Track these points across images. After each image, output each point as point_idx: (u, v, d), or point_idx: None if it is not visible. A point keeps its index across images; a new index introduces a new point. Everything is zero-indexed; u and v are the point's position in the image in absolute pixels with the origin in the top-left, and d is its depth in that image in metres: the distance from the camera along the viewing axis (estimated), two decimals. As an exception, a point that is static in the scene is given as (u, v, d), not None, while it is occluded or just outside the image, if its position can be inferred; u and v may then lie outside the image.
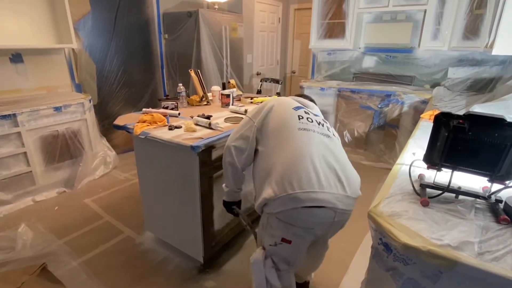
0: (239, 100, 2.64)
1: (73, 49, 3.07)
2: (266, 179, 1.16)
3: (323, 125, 1.30)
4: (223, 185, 1.45)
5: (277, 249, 1.18)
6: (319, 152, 1.15)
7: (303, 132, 1.19)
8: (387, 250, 0.91)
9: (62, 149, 2.75)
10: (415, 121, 2.74)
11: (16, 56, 2.70)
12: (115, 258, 1.96)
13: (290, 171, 1.09)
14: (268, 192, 1.12)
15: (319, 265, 1.60)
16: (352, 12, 3.53)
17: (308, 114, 1.32)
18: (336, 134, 1.38)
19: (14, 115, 2.38)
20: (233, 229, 2.01)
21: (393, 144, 3.38)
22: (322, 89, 3.78)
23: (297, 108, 1.31)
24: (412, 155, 1.47)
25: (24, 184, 2.56)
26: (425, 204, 0.99)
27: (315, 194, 1.07)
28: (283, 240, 1.14)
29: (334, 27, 3.76)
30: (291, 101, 1.35)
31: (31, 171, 2.57)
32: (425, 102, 3.08)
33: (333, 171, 1.13)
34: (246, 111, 2.14)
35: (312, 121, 1.27)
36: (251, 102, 2.54)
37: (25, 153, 2.50)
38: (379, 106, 3.41)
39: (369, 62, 3.86)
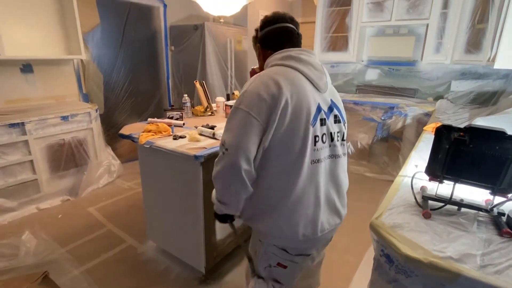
0: (243, 111, 2.67)
1: (81, 60, 3.14)
2: (267, 210, 1.00)
3: (342, 139, 1.08)
4: (216, 199, 1.06)
5: (271, 270, 1.12)
6: (324, 190, 1.02)
7: (314, 166, 0.97)
8: (389, 262, 0.91)
9: (67, 157, 2.79)
10: (419, 133, 2.74)
11: (27, 66, 2.77)
12: (117, 267, 1.95)
13: (296, 216, 0.98)
14: (272, 227, 1.00)
15: (319, 279, 1.56)
16: (355, 26, 3.58)
17: (336, 123, 1.04)
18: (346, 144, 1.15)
19: (23, 123, 2.43)
20: (235, 240, 2.01)
21: (396, 156, 3.38)
22: (325, 100, 3.81)
23: (317, 114, 0.97)
24: (415, 167, 1.47)
25: (29, 192, 2.58)
26: (427, 216, 0.99)
27: (317, 238, 1.03)
28: (279, 264, 1.09)
29: (337, 40, 3.81)
30: (310, 100, 0.95)
31: (36, 179, 2.60)
32: (428, 115, 3.09)
33: (333, 209, 1.07)
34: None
35: (330, 139, 1.02)
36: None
37: (31, 161, 2.54)
38: (382, 118, 3.43)
39: (372, 75, 3.89)
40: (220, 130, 1.89)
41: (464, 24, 2.96)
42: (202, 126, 1.93)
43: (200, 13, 3.86)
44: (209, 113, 2.53)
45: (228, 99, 2.77)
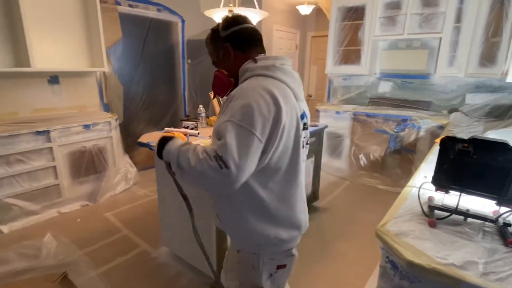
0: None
1: (104, 72, 3.32)
2: (263, 223, 1.00)
3: (307, 143, 1.12)
4: (176, 164, 0.93)
5: (273, 278, 1.11)
6: (303, 189, 1.11)
7: (302, 165, 1.05)
8: (394, 268, 0.93)
9: (88, 164, 2.92)
10: (432, 146, 2.73)
11: (54, 78, 2.96)
12: (131, 271, 2.02)
13: (293, 219, 1.04)
14: (270, 236, 1.00)
15: None
16: (367, 40, 3.64)
17: (306, 127, 1.07)
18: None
19: (48, 131, 2.58)
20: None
21: (409, 168, 3.35)
22: (337, 112, 3.84)
23: (301, 120, 1.01)
24: (424, 178, 1.49)
25: (51, 196, 2.71)
26: (432, 225, 1.01)
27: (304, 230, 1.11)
28: (279, 267, 1.09)
29: (350, 54, 3.87)
30: (296, 110, 0.98)
31: (58, 184, 2.73)
32: (442, 128, 3.07)
33: (305, 202, 1.14)
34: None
35: (306, 144, 1.09)
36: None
37: (54, 167, 2.68)
38: (395, 130, 3.43)
39: (385, 87, 3.91)
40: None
41: (478, 38, 2.96)
42: (216, 136, 2.00)
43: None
44: (223, 124, 2.61)
45: (241, 110, 2.85)
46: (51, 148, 2.63)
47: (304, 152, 1.07)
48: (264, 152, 0.88)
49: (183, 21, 4.07)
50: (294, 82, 1.00)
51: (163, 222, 2.11)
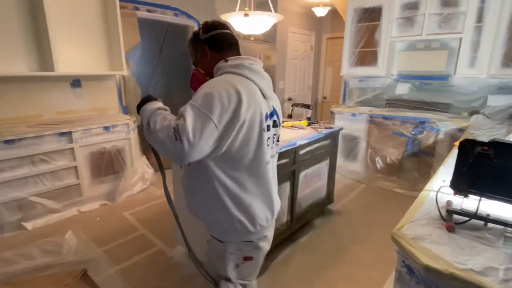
0: (270, 123, 2.75)
1: (123, 76, 3.42)
2: (228, 209, 1.04)
3: (278, 140, 1.18)
4: (146, 122, 1.00)
5: (239, 269, 1.15)
6: (271, 184, 1.14)
7: (266, 167, 1.09)
8: (410, 273, 0.92)
9: (107, 164, 3.01)
10: (451, 149, 2.66)
11: (76, 81, 3.08)
12: (148, 269, 2.07)
13: (255, 209, 1.07)
14: (234, 223, 1.05)
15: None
16: (384, 41, 3.59)
17: (277, 127, 1.14)
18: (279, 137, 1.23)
19: (70, 132, 2.68)
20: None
21: (428, 172, 3.27)
22: (353, 114, 3.80)
23: (267, 120, 1.06)
24: (442, 181, 1.45)
25: (72, 195, 2.81)
26: (450, 229, 0.99)
27: (270, 224, 1.16)
28: (245, 258, 1.14)
29: (366, 55, 3.83)
30: (262, 109, 1.03)
31: (79, 184, 2.83)
32: (462, 130, 2.98)
33: (275, 198, 1.17)
34: (276, 134, 2.24)
35: (276, 140, 1.16)
36: (282, 126, 2.64)
37: (76, 167, 2.78)
38: (413, 133, 3.35)
39: (403, 89, 3.84)
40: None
41: (501, 38, 2.87)
42: (231, 138, 2.03)
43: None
44: (238, 126, 2.64)
45: (256, 112, 2.88)
46: (72, 148, 2.73)
47: (275, 148, 1.15)
48: (221, 139, 0.94)
49: (199, 25, 4.14)
50: (262, 81, 1.06)
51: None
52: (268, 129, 1.07)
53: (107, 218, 2.76)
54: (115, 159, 3.07)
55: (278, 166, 2.03)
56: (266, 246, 1.18)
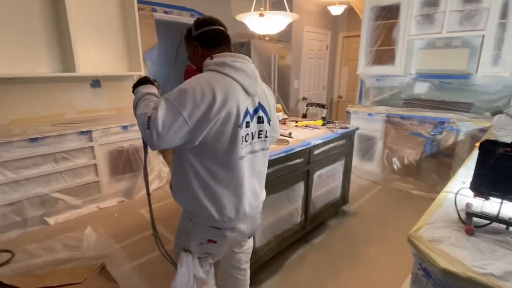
0: (284, 123, 2.75)
1: (140, 76, 3.50)
2: (199, 196, 1.10)
3: (265, 136, 1.19)
4: (135, 103, 1.11)
5: (202, 247, 1.20)
6: (247, 179, 1.15)
7: (240, 161, 1.10)
8: (427, 276, 0.90)
9: (125, 163, 3.09)
10: (472, 150, 2.57)
11: (96, 82, 3.17)
12: (162, 265, 2.10)
13: (223, 200, 1.11)
14: (203, 209, 1.11)
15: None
16: (402, 39, 3.51)
17: (263, 123, 1.16)
18: (271, 133, 1.26)
19: (90, 131, 2.77)
20: (273, 248, 2.06)
21: (447, 173, 3.17)
22: (369, 114, 3.74)
23: (245, 118, 1.08)
24: (462, 183, 1.41)
25: (92, 192, 2.91)
26: (470, 232, 0.96)
27: (240, 218, 1.16)
28: (209, 241, 1.18)
29: (383, 54, 3.75)
30: (240, 106, 1.05)
31: (98, 181, 2.92)
32: (483, 131, 2.87)
33: (254, 194, 1.20)
34: (290, 133, 2.23)
35: (251, 138, 1.13)
36: (296, 125, 2.63)
37: (95, 164, 2.87)
38: (432, 133, 3.26)
39: (421, 88, 3.74)
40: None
41: (526, 34, 2.75)
42: (245, 137, 2.04)
43: (247, 31, 4.08)
44: (252, 125, 2.65)
45: (270, 112, 2.88)
46: (92, 147, 2.82)
47: (260, 144, 1.18)
48: (193, 133, 0.98)
49: (214, 25, 4.17)
50: (245, 78, 1.08)
51: (193, 220, 2.17)
52: (247, 126, 1.09)
53: (125, 215, 2.83)
54: (133, 158, 3.15)
55: (292, 166, 2.04)
56: (236, 237, 1.20)
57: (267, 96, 1.21)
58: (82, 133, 2.73)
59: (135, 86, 1.16)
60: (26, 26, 2.65)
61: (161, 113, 0.95)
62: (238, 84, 1.06)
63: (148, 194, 1.34)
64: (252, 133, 1.13)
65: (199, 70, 1.17)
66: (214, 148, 1.05)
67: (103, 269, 2.04)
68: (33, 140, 2.45)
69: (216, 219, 1.11)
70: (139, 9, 3.18)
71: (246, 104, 1.08)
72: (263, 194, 1.28)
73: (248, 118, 1.09)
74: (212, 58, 1.11)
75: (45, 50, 2.78)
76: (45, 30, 2.76)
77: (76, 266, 2.07)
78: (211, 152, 1.05)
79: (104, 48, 3.16)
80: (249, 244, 1.44)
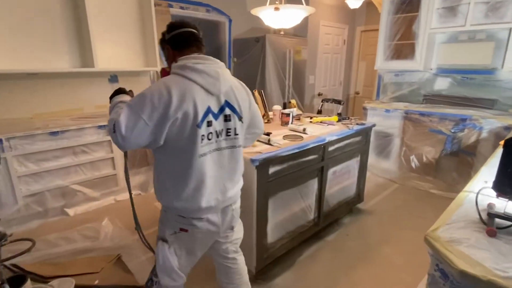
0: (299, 119, 2.72)
1: (156, 71, 3.55)
2: (167, 189, 1.20)
3: (235, 133, 1.23)
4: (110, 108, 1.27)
5: (176, 236, 1.27)
6: (211, 175, 1.19)
7: (201, 159, 1.14)
8: (444, 277, 0.87)
9: (141, 157, 3.15)
10: (495, 149, 2.47)
11: (113, 77, 3.24)
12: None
13: (192, 194, 1.17)
14: (170, 201, 1.20)
15: (246, 278, 1.59)
16: (423, 33, 3.39)
17: (230, 121, 1.20)
18: (245, 131, 1.30)
19: (108, 125, 2.83)
20: (285, 244, 2.05)
21: (468, 173, 3.06)
22: (387, 111, 3.64)
23: (205, 117, 1.12)
24: (484, 183, 1.35)
25: (109, 185, 2.98)
26: (491, 234, 0.92)
27: (204, 208, 1.20)
28: (181, 229, 1.25)
29: (403, 48, 3.64)
30: (198, 106, 1.09)
31: (115, 174, 2.99)
32: (508, 128, 2.75)
33: (221, 188, 1.24)
34: (304, 129, 2.20)
35: (216, 136, 1.18)
36: (311, 121, 2.60)
37: (112, 158, 2.94)
38: (452, 130, 3.15)
39: (442, 84, 3.61)
40: (275, 137, 1.98)
41: (558, 27, 2.59)
42: (259, 132, 2.03)
43: (262, 26, 4.05)
44: (266, 121, 2.64)
45: (284, 107, 2.85)
46: (110, 141, 2.88)
47: (229, 141, 1.22)
48: (155, 133, 1.07)
49: (230, 20, 4.17)
50: (205, 78, 1.13)
51: (207, 214, 2.19)
52: (209, 125, 1.13)
53: (140, 208, 2.86)
54: (149, 152, 3.20)
55: (305, 162, 2.02)
56: (207, 226, 1.25)
57: (238, 93, 1.23)
58: (100, 127, 2.80)
59: (111, 97, 1.30)
60: (47, 23, 2.72)
61: (123, 117, 1.04)
62: (197, 85, 1.11)
63: (130, 194, 1.56)
64: (216, 131, 1.17)
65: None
66: (177, 147, 1.11)
67: (119, 260, 2.10)
68: (54, 133, 2.53)
69: (181, 209, 1.20)
70: (155, 5, 3.22)
71: (207, 103, 1.12)
72: (236, 188, 1.33)
73: (210, 117, 1.13)
74: (176, 61, 1.17)
75: (65, 46, 2.86)
76: (65, 27, 2.83)
77: (93, 256, 2.13)
78: (174, 150, 1.12)
79: (122, 44, 3.21)
80: (237, 235, 1.50)
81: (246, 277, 1.57)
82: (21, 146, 2.40)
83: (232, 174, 1.29)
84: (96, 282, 1.87)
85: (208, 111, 1.13)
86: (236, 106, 1.21)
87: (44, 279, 1.82)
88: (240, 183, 1.37)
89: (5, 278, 1.54)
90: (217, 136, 1.18)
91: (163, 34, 1.29)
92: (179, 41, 1.24)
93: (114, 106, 1.22)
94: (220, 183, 1.24)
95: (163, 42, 1.29)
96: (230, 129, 1.21)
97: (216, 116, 1.15)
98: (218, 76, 1.17)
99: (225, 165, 1.24)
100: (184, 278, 1.34)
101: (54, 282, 1.59)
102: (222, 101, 1.17)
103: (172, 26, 1.26)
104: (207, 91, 1.13)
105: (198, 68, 1.13)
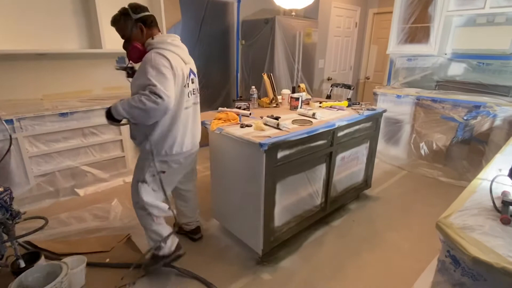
0: (308, 103, 2.68)
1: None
2: (156, 137, 1.57)
3: (198, 91, 1.75)
4: (125, 112, 1.49)
5: (155, 178, 1.65)
6: (190, 125, 1.69)
7: (186, 111, 1.63)
8: (455, 264, 0.86)
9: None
10: (509, 137, 2.41)
11: (121, 59, 3.21)
12: (183, 239, 2.17)
13: (178, 141, 1.62)
14: (157, 147, 1.59)
15: (197, 201, 2.11)
16: (439, 16, 3.26)
17: (194, 83, 1.68)
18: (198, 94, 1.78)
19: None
20: (292, 228, 2.07)
21: (479, 161, 3.01)
22: (398, 96, 3.57)
23: (187, 79, 1.59)
24: (498, 171, 1.32)
25: (118, 166, 3.02)
26: (506, 222, 0.90)
27: (183, 152, 1.69)
28: (161, 172, 1.65)
29: (417, 32, 3.52)
30: (184, 71, 1.56)
31: (124, 156, 3.02)
32: (524, 116, 2.67)
33: (194, 136, 1.76)
34: (314, 114, 2.17)
35: (193, 93, 1.68)
36: (320, 106, 2.56)
37: (121, 140, 2.96)
38: (465, 118, 3.08)
39: (456, 70, 3.50)
40: (284, 122, 1.95)
41: None
42: (267, 117, 2.01)
43: (272, 6, 3.94)
44: (274, 105, 2.61)
45: (293, 91, 2.81)
46: (118, 123, 2.89)
47: (194, 98, 1.71)
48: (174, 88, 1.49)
49: (238, 1, 4.06)
50: (181, 51, 1.58)
51: (214, 197, 2.21)
52: (189, 85, 1.62)
53: (149, 190, 2.92)
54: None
55: (314, 148, 2.01)
56: (179, 167, 1.73)
57: (193, 62, 1.71)
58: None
59: (110, 117, 1.55)
60: (55, 4, 2.69)
61: (157, 83, 1.38)
62: (178, 56, 1.54)
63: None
64: (192, 90, 1.66)
65: (144, 46, 1.56)
66: (175, 101, 1.51)
67: (129, 239, 2.14)
68: (63, 114, 2.55)
69: (167, 154, 1.61)
70: (163, -16, 3.13)
71: (186, 70, 1.59)
72: (199, 136, 1.84)
73: (189, 80, 1.61)
74: (153, 38, 1.54)
75: (73, 27, 2.83)
76: (73, 8, 2.79)
77: (103, 235, 2.18)
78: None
79: (129, 25, 3.16)
80: (195, 173, 2.06)
81: (196, 201, 2.11)
82: (31, 127, 2.42)
83: (198, 124, 1.79)
84: (107, 260, 1.92)
85: (189, 74, 1.61)
86: (195, 71, 1.72)
87: (57, 256, 1.88)
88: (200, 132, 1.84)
89: (20, 254, 1.59)
90: (193, 94, 1.67)
91: (126, 13, 1.55)
92: (149, 21, 1.58)
93: (123, 105, 1.47)
94: (194, 131, 1.73)
95: (130, 20, 1.55)
96: (195, 89, 1.71)
97: (190, 79, 1.62)
98: (187, 50, 1.65)
99: (196, 117, 1.75)
100: (166, 206, 1.75)
101: (67, 259, 1.63)
102: (189, 68, 1.62)
103: (139, 8, 1.57)
104: (183, 61, 1.57)
105: (175, 44, 1.56)
